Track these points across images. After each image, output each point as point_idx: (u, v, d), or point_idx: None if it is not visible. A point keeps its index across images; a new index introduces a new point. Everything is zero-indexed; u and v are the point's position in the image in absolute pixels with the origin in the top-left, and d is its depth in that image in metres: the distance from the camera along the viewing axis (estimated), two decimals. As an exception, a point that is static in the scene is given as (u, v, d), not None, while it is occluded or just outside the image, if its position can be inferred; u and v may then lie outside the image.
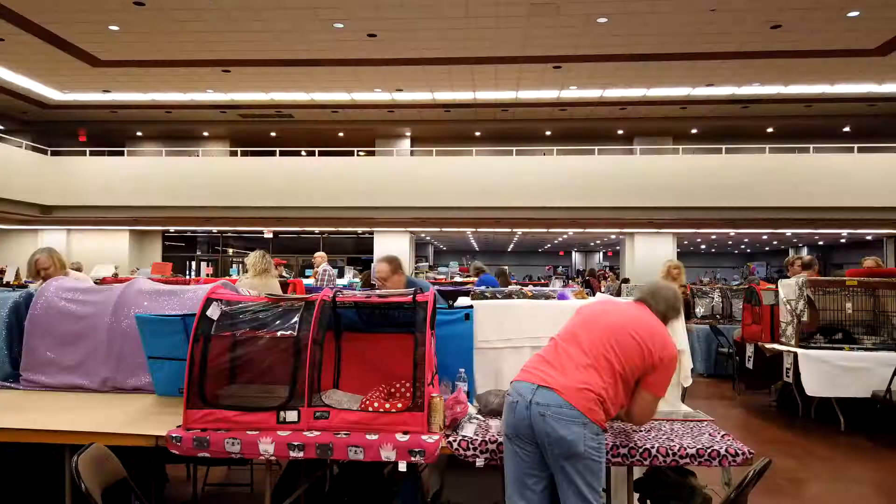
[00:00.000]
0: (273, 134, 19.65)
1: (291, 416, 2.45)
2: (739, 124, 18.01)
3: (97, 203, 16.41)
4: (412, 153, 19.23)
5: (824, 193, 14.97)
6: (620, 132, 19.07)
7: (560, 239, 24.88)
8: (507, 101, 16.28)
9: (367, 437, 2.40)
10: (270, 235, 18.68)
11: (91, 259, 13.42)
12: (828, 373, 5.53)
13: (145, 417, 2.71)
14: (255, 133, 19.18)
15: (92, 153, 17.67)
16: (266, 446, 2.40)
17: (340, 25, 11.50)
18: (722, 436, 2.60)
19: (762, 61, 13.21)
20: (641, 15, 10.96)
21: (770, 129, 18.58)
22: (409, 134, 19.61)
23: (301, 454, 2.39)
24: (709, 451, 2.43)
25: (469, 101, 16.40)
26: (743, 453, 2.43)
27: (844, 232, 17.49)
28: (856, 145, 16.01)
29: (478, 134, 19.60)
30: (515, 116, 17.83)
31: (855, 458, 5.12)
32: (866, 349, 5.71)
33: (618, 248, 21.52)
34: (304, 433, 2.43)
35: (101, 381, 3.16)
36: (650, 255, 16.24)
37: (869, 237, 18.65)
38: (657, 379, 2.37)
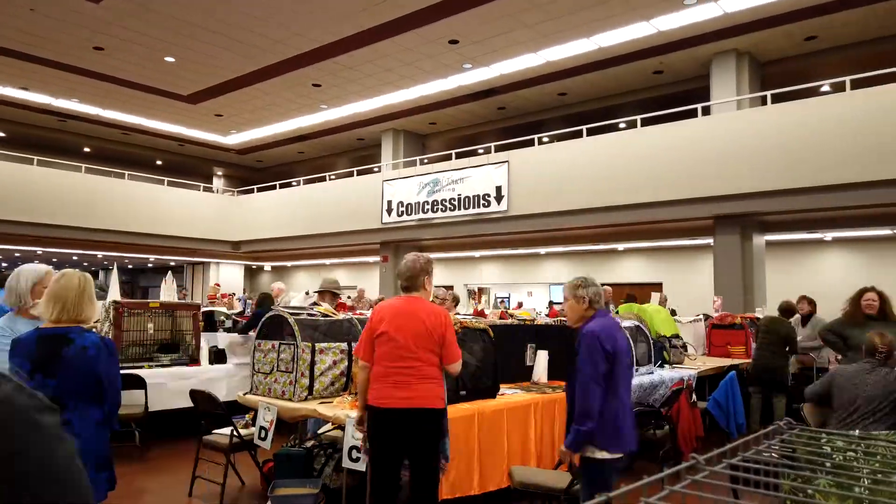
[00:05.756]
0: None
1: None
2: (56, 137, 17.02)
3: None
4: None
5: (138, 219, 15.68)
6: None
7: None
8: None
9: None
10: None
11: None
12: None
13: None
14: None
15: None
16: None
17: None
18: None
19: (82, 78, 12.96)
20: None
21: (87, 149, 18.30)
22: None
23: None
24: None
25: None
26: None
27: (152, 257, 18.70)
28: (166, 178, 17.40)
29: None
30: None
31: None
32: (164, 365, 6.28)
33: None
34: None
35: None
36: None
37: (173, 263, 20.36)
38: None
